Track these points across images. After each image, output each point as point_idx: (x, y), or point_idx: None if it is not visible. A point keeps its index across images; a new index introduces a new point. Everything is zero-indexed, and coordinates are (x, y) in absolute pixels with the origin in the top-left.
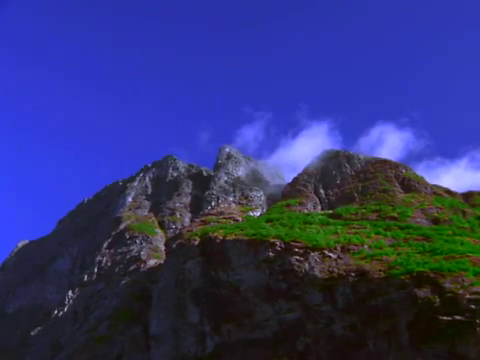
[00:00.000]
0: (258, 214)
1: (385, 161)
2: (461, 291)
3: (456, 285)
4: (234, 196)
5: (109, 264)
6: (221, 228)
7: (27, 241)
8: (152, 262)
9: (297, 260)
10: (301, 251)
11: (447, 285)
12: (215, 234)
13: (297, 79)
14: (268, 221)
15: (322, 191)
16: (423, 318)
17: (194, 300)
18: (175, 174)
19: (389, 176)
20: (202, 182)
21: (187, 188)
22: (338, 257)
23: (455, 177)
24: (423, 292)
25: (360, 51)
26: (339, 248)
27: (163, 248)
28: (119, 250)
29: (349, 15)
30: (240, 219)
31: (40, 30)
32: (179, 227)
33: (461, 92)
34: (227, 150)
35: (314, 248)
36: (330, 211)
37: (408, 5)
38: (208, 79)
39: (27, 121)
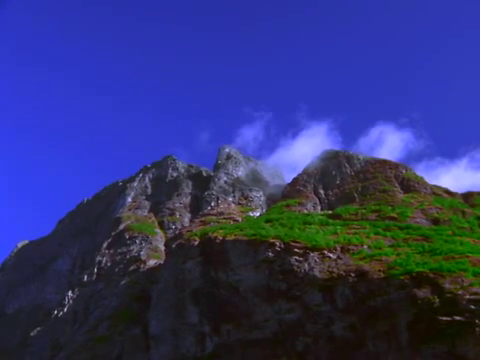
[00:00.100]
0: (258, 214)
1: (385, 161)
2: (460, 291)
3: (455, 285)
4: (234, 196)
5: (109, 264)
6: (221, 228)
7: (27, 241)
8: (152, 262)
9: (297, 260)
10: (301, 251)
11: (446, 285)
12: (215, 234)
13: (297, 79)
14: (268, 221)
15: (322, 191)
16: (422, 318)
17: (194, 300)
18: (175, 174)
19: (389, 176)
20: (202, 182)
21: (187, 188)
22: (338, 257)
23: (455, 177)
24: (422, 292)
25: (360, 51)
26: (339, 248)
27: (163, 248)
28: (119, 250)
29: (349, 15)
30: (240, 219)
31: (40, 30)
32: (179, 227)
33: (461, 92)
34: (227, 150)
35: (314, 248)
36: (330, 211)
37: (408, 5)
38: (208, 79)
39: (27, 121)
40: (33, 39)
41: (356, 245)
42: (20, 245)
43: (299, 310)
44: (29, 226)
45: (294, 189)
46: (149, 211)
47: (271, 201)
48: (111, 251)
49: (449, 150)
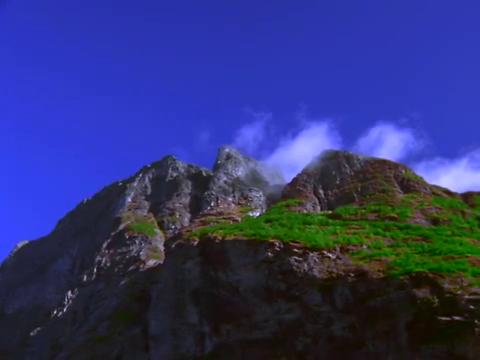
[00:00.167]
0: (257, 214)
1: (384, 161)
2: (460, 291)
3: (455, 285)
4: (233, 196)
5: (108, 264)
6: (220, 228)
7: (27, 241)
8: (151, 262)
9: (296, 260)
10: (300, 251)
11: (446, 285)
12: (214, 234)
13: (297, 79)
14: (267, 221)
15: (321, 191)
16: (422, 318)
17: (193, 300)
18: (174, 174)
19: (388, 176)
20: (201, 182)
21: (186, 188)
22: (337, 257)
23: (454, 177)
24: (422, 292)
25: (360, 51)
26: (338, 248)
27: (162, 248)
28: (118, 250)
29: (349, 15)
30: (239, 219)
31: (40, 30)
32: (178, 227)
33: (461, 92)
34: (227, 150)
35: (313, 248)
36: (329, 211)
37: (408, 5)
38: (208, 79)
39: (27, 121)
40: (33, 39)
41: (355, 245)
42: (20, 245)
43: (299, 310)
44: (29, 226)
45: (294, 189)
46: (149, 211)
47: (271, 201)
48: (111, 251)
49: (449, 150)
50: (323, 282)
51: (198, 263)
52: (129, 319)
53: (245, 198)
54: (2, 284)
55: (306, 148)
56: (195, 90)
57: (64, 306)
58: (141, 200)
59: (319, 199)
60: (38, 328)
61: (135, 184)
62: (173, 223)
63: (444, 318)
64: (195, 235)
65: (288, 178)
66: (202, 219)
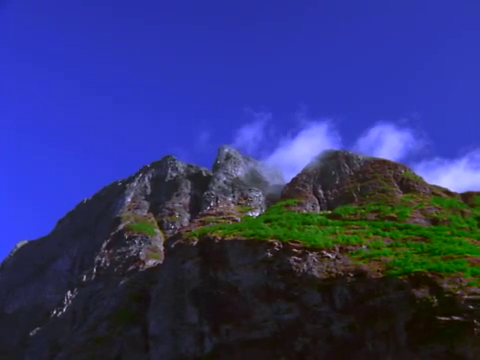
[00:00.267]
0: (257, 214)
1: (384, 161)
2: (459, 291)
3: (454, 285)
4: (233, 196)
5: (108, 264)
6: (220, 228)
7: (26, 241)
8: (151, 262)
9: (295, 260)
10: (299, 251)
11: (445, 285)
12: (214, 234)
13: (297, 79)
14: (267, 221)
15: (321, 191)
16: (421, 318)
17: (193, 300)
18: (174, 174)
19: (388, 176)
20: (201, 182)
21: (186, 188)
22: (336, 257)
23: (454, 177)
24: (421, 292)
25: (359, 51)
26: (337, 248)
27: (162, 248)
28: (118, 250)
29: (348, 15)
30: (239, 219)
31: (40, 30)
32: (178, 227)
33: (460, 92)
34: (226, 150)
35: (312, 248)
36: (329, 211)
37: (407, 5)
38: (208, 79)
39: (27, 121)
40: (33, 39)
41: (355, 245)
42: (20, 245)
43: (298, 310)
44: (29, 226)
45: (293, 189)
46: (148, 211)
47: (270, 201)
48: (110, 251)
49: (448, 150)
50: (322, 282)
51: (197, 263)
52: (128, 319)
53: (245, 198)
54: (2, 284)
55: (306, 148)
56: (195, 90)
57: (64, 306)
58: (141, 200)
59: (319, 199)
60: (38, 328)
61: (135, 184)
62: (173, 223)
63: (443, 318)
64: (194, 235)
65: (288, 178)
66: (202, 219)
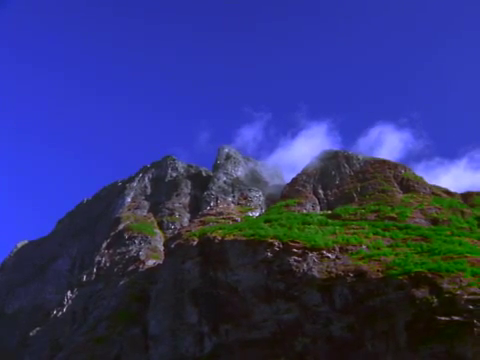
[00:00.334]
0: (257, 214)
1: (384, 161)
2: (459, 291)
3: (454, 285)
4: (233, 196)
5: (108, 264)
6: (220, 228)
7: (26, 241)
8: (151, 262)
9: (295, 260)
10: (299, 251)
11: (445, 285)
12: (214, 234)
13: (296, 79)
14: (267, 221)
15: (321, 191)
16: (421, 318)
17: (192, 300)
18: (174, 174)
19: (388, 176)
20: (201, 182)
21: (186, 188)
22: (336, 257)
23: (454, 177)
24: (421, 292)
25: (359, 51)
26: (337, 248)
27: (162, 248)
28: (118, 250)
29: (348, 15)
30: (239, 219)
31: (40, 30)
32: (178, 227)
33: (460, 92)
34: (226, 150)
35: (312, 248)
36: (329, 211)
37: (407, 5)
38: (208, 79)
39: (27, 121)
40: (33, 39)
41: (355, 245)
42: (20, 245)
43: (297, 310)
44: (29, 226)
45: (293, 189)
46: (148, 211)
47: (270, 201)
48: (110, 251)
49: (448, 150)
50: (322, 282)
51: (197, 263)
52: (128, 319)
53: (245, 198)
54: (2, 284)
55: (306, 148)
56: (195, 90)
57: (64, 306)
58: (141, 200)
59: (319, 199)
60: (38, 328)
61: (135, 184)
62: (173, 223)
63: (443, 318)
64: (194, 235)
65: (288, 178)
66: (202, 219)
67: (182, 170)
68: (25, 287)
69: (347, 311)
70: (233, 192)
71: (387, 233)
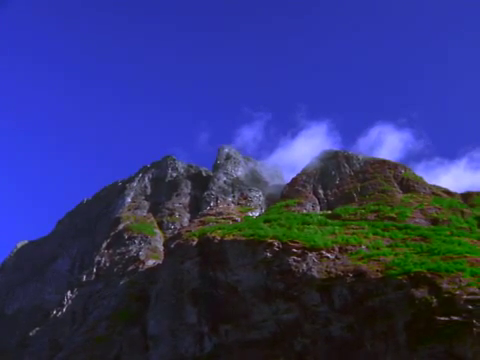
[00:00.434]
0: (257, 214)
1: (384, 161)
2: (458, 291)
3: (453, 285)
4: (233, 196)
5: (108, 264)
6: (219, 228)
7: (26, 241)
8: (151, 262)
9: (295, 260)
10: (299, 251)
11: (444, 285)
12: (213, 234)
13: (296, 80)
14: (266, 221)
15: (321, 191)
16: (420, 318)
17: (192, 300)
18: (174, 174)
19: (388, 176)
20: (201, 182)
21: (186, 188)
22: (336, 258)
23: (454, 177)
24: (420, 292)
25: (359, 51)
26: (337, 248)
27: (162, 248)
28: (118, 250)
29: (348, 15)
30: (239, 219)
31: (40, 30)
32: (178, 227)
33: (460, 92)
34: (226, 150)
35: (312, 248)
36: (329, 211)
37: (407, 5)
38: (208, 79)
39: (27, 121)
40: (33, 39)
41: (354, 245)
42: (19, 245)
43: (297, 310)
44: (29, 226)
45: (293, 189)
46: (148, 211)
47: (270, 201)
48: (110, 251)
49: (448, 150)
50: (321, 282)
51: (197, 263)
52: (128, 319)
53: (245, 198)
54: (2, 284)
55: (306, 148)
56: (195, 90)
57: (63, 306)
58: (141, 200)
59: (318, 199)
60: (37, 328)
61: (135, 184)
62: (173, 223)
63: (442, 318)
64: (194, 235)
65: (288, 178)
66: (201, 219)
67: (182, 170)
68: (25, 287)
69: (346, 311)
70: (233, 192)
71: (387, 233)
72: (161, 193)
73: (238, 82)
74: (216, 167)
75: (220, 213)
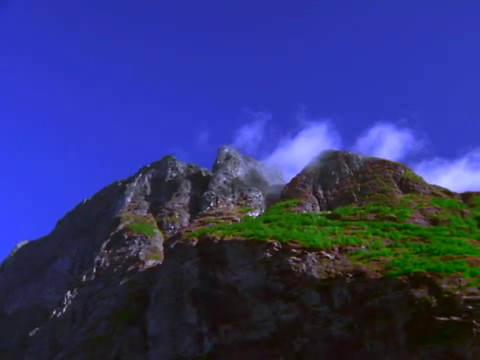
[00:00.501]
0: (257, 215)
1: (384, 161)
2: (458, 292)
3: (453, 286)
4: (233, 196)
5: (108, 264)
6: (219, 228)
7: (26, 241)
8: (150, 263)
9: (294, 261)
10: (298, 252)
11: (444, 286)
12: (213, 235)
13: (296, 80)
14: (266, 222)
15: (321, 191)
16: (420, 319)
17: (192, 301)
18: (174, 174)
19: (388, 176)
20: (201, 182)
21: (186, 188)
22: (335, 258)
23: (454, 177)
24: (420, 293)
25: (359, 51)
26: (336, 249)
27: (162, 248)
28: (118, 250)
29: (348, 15)
30: (239, 220)
31: (40, 30)
32: (178, 228)
33: (460, 92)
34: (226, 150)
35: (311, 249)
36: (328, 212)
37: (407, 5)
38: (208, 79)
39: (27, 121)
40: (33, 39)
41: (354, 245)
42: (20, 245)
43: (297, 310)
44: (29, 226)
45: (293, 189)
46: (148, 211)
47: (270, 201)
48: (110, 251)
49: (448, 150)
50: (321, 282)
51: (197, 263)
52: (128, 319)
53: (244, 198)
54: (2, 284)
55: (305, 148)
56: (195, 90)
57: (63, 306)
58: (140, 200)
59: (318, 199)
60: (37, 328)
61: (134, 184)
62: (172, 223)
63: (442, 318)
64: (194, 235)
65: (287, 178)
66: (201, 219)
67: (182, 170)
68: (25, 287)
69: (346, 311)
70: (233, 192)
71: (386, 233)
72: (161, 193)
73: (238, 82)
74: (216, 167)
75: (220, 213)
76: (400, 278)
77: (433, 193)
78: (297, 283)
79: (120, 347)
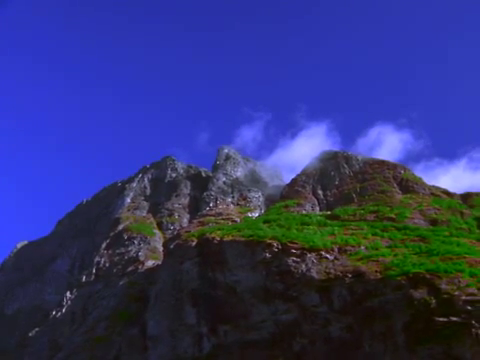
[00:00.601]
0: (256, 215)
1: (383, 162)
2: (457, 292)
3: (452, 286)
4: (232, 197)
5: (107, 265)
6: (218, 229)
7: (26, 242)
8: (150, 263)
9: (294, 261)
10: (298, 252)
11: (443, 286)
12: (212, 235)
13: (296, 80)
14: (266, 222)
15: (320, 192)
16: (419, 319)
17: (191, 301)
18: (174, 175)
19: (387, 177)
20: (201, 183)
21: (186, 189)
22: (335, 258)
23: (453, 178)
24: (419, 293)
25: (359, 51)
26: (336, 249)
27: (161, 249)
28: (117, 251)
29: (348, 15)
30: (238, 220)
31: (40, 30)
32: (177, 228)
33: (460, 93)
34: (226, 151)
35: (311, 249)
36: (328, 212)
37: (407, 5)
38: (207, 79)
39: (27, 121)
40: (33, 39)
41: (353, 246)
42: (19, 245)
43: (296, 311)
44: (28, 227)
45: (293, 190)
46: (148, 212)
47: (270, 202)
48: (110, 252)
49: (448, 151)
50: (321, 283)
51: (196, 264)
52: (127, 319)
53: (244, 199)
54: (1, 284)
55: (305, 148)
56: (194, 90)
57: (63, 306)
58: (140, 201)
59: (318, 200)
60: (37, 328)
61: (134, 185)
62: (172, 224)
63: (441, 319)
64: (193, 236)
65: (287, 179)
66: (201, 220)
67: (182, 171)
68: (24, 288)
69: (345, 312)
70: (232, 193)
71: (386, 234)
72: (160, 193)
73: (238, 82)
74: (215, 168)
75: (219, 214)
76: (399, 279)
77: (432, 193)
78: (296, 283)
79: (119, 347)
